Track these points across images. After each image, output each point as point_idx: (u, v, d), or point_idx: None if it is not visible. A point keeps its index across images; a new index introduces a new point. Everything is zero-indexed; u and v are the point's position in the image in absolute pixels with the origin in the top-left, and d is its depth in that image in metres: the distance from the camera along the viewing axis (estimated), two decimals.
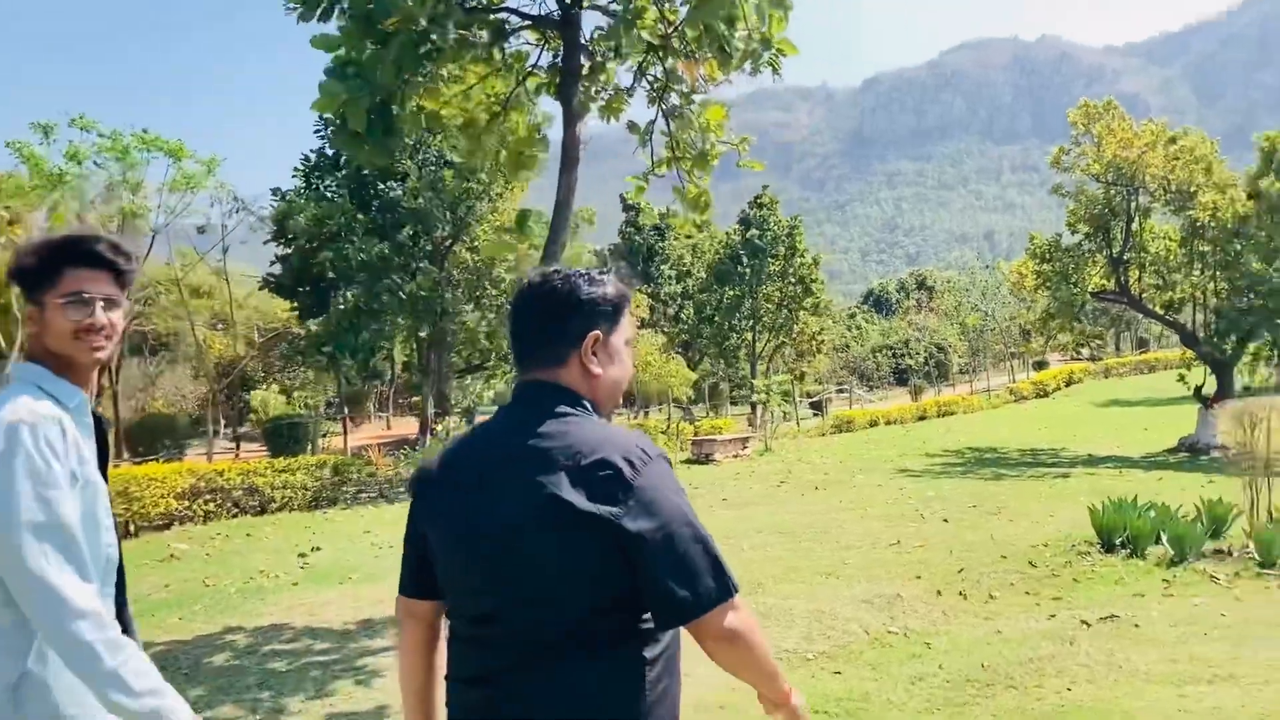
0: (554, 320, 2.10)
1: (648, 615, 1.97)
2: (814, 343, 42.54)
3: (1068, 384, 56.93)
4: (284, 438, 30.07)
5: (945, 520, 15.02)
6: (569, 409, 2.04)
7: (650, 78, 9.38)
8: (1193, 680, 6.61)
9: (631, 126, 9.89)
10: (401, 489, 20.35)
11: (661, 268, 40.38)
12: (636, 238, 42.18)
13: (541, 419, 2.02)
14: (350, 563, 13.19)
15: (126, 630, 2.27)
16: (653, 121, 9.84)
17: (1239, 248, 26.73)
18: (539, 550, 1.92)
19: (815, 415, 41.15)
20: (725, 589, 1.94)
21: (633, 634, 1.97)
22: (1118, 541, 11.70)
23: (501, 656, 1.98)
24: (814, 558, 12.26)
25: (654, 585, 1.90)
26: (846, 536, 13.78)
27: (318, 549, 14.41)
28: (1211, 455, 26.40)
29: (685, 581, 1.90)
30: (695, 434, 29.31)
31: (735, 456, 27.84)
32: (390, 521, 16.75)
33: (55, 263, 2.30)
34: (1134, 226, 27.44)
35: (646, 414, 37.36)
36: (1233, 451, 12.33)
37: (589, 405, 2.09)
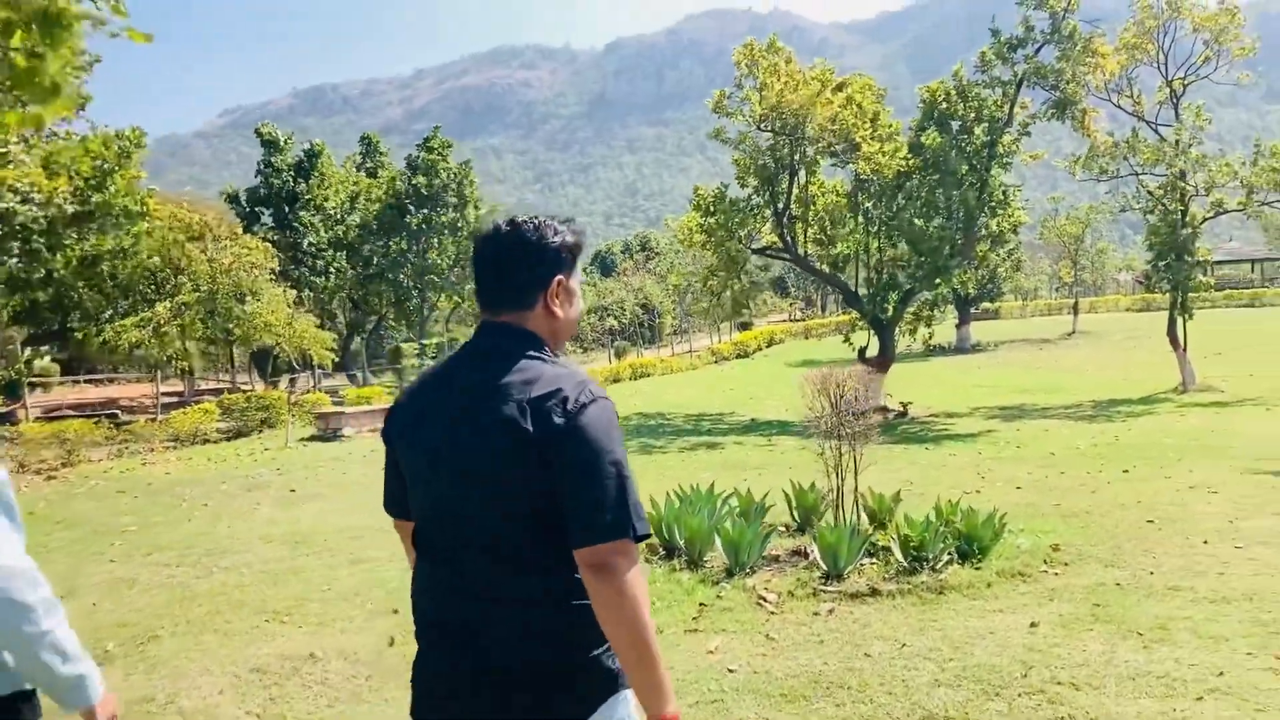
0: (525, 266, 2.32)
1: None
2: None
3: (769, 345, 57.15)
4: None
5: None
6: (535, 353, 2.28)
7: None
8: None
9: None
10: None
11: (302, 214, 35.52)
12: (275, 179, 36.89)
13: (507, 360, 2.25)
14: None
15: None
16: None
17: (901, 203, 25.92)
18: (491, 470, 2.18)
19: None
20: (625, 527, 2.12)
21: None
22: (681, 543, 9.44)
23: (460, 568, 2.25)
24: (280, 586, 9.23)
25: (569, 508, 2.13)
26: (373, 548, 10.87)
27: None
28: (874, 419, 25.58)
29: (593, 509, 2.11)
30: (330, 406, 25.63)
31: (373, 430, 24.52)
32: None
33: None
34: (800, 179, 26.08)
35: (276, 383, 32.66)
36: (812, 426, 10.20)
37: (548, 348, 2.32)
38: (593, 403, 2.17)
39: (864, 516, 10.25)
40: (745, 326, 61.63)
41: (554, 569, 2.17)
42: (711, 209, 25.51)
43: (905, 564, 8.64)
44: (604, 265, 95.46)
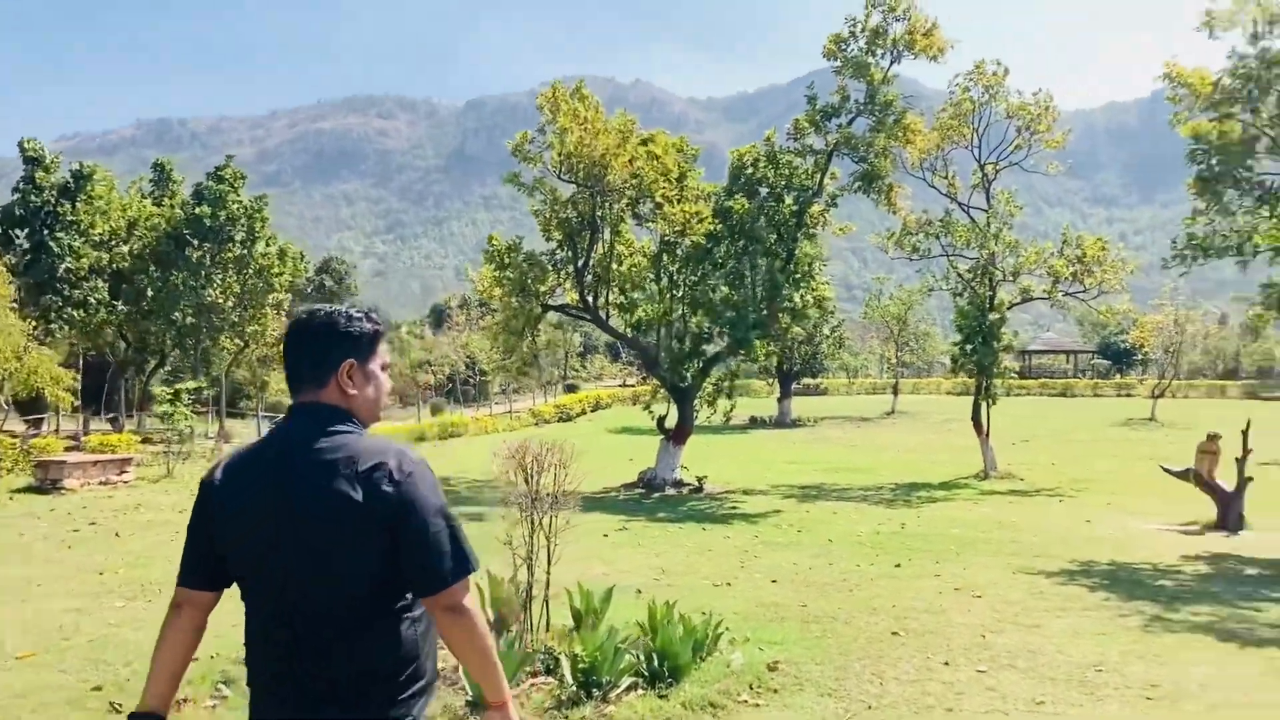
0: (319, 349, 2.62)
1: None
2: (279, 347, 36.39)
3: (594, 409, 55.63)
4: None
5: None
6: (341, 426, 2.57)
7: None
8: None
9: None
10: None
11: (61, 236, 31.75)
12: (35, 197, 33.00)
13: (320, 433, 2.53)
14: None
15: None
16: None
17: (707, 269, 24.82)
18: (330, 540, 2.46)
19: None
20: (464, 568, 2.58)
21: (402, 603, 2.57)
22: None
23: (299, 629, 2.50)
24: None
25: (409, 564, 2.50)
26: None
27: None
28: (667, 491, 24.16)
29: (436, 560, 2.51)
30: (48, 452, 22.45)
31: (104, 483, 21.62)
32: None
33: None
34: (604, 236, 24.73)
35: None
36: (502, 502, 8.45)
37: (355, 420, 2.63)
38: (414, 469, 2.52)
39: (560, 620, 8.52)
40: (571, 389, 59.99)
41: (384, 624, 2.53)
42: (505, 261, 23.80)
43: (574, 690, 6.92)
44: (438, 318, 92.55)
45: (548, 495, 8.41)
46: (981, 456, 28.70)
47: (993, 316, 28.39)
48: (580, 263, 24.35)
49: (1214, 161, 15.86)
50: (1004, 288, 29.14)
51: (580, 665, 6.93)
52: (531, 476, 8.45)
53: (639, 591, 10.77)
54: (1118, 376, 75.45)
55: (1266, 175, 16.07)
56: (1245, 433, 18.56)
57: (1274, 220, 16.24)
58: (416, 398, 56.18)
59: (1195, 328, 53.55)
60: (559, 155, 23.11)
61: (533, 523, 8.33)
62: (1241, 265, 16.48)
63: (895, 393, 57.38)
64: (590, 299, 24.85)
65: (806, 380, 65.13)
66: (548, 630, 8.33)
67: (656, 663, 7.39)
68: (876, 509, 21.14)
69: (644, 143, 23.82)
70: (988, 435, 28.85)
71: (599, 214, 24.03)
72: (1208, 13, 15.89)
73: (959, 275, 29.17)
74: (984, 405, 29.00)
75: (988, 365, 28.38)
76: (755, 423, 49.66)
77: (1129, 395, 63.27)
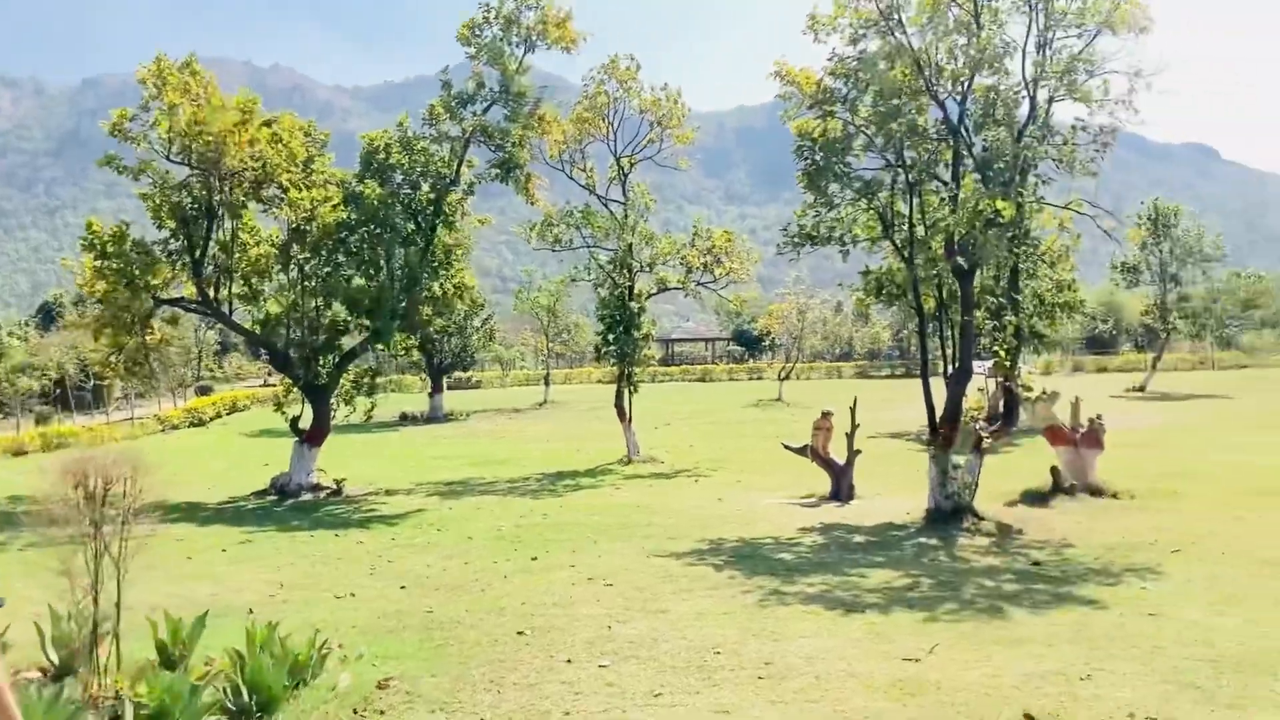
0: None
1: None
2: None
3: (230, 412, 51.90)
4: None
5: None
6: None
7: None
8: None
9: None
10: None
11: None
12: None
13: None
14: None
15: None
16: None
17: (340, 259, 23.53)
18: None
19: None
20: None
21: None
22: None
23: None
24: None
25: None
26: None
27: None
28: (302, 497, 22.67)
29: None
30: None
31: None
32: None
33: None
34: (225, 224, 22.77)
35: None
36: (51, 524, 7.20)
37: None
38: None
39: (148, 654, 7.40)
40: (205, 391, 55.66)
41: None
42: (108, 251, 21.26)
43: None
44: (48, 317, 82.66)
45: (117, 513, 7.28)
46: (625, 442, 29.37)
47: (633, 306, 29.11)
48: (197, 252, 22.23)
49: (818, 156, 16.93)
50: (642, 278, 29.96)
51: (144, 713, 5.95)
52: (95, 493, 7.27)
53: (251, 612, 9.74)
54: (750, 361, 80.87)
55: (864, 170, 17.37)
56: (853, 410, 20.07)
57: (870, 212, 17.58)
58: (16, 406, 49.83)
59: (814, 314, 58.34)
60: (167, 134, 20.91)
61: (97, 547, 7.17)
62: (844, 254, 17.74)
63: (547, 383, 58.02)
64: (211, 291, 22.78)
65: (458, 374, 64.39)
66: (119, 669, 7.19)
67: (246, 696, 6.53)
68: (522, 500, 20.93)
69: (267, 124, 22.10)
70: (630, 421, 29.58)
71: (216, 199, 22.04)
72: (811, 16, 16.90)
73: (600, 266, 29.66)
74: (626, 392, 29.70)
75: (629, 353, 29.08)
76: (406, 419, 48.35)
77: (760, 378, 67.93)
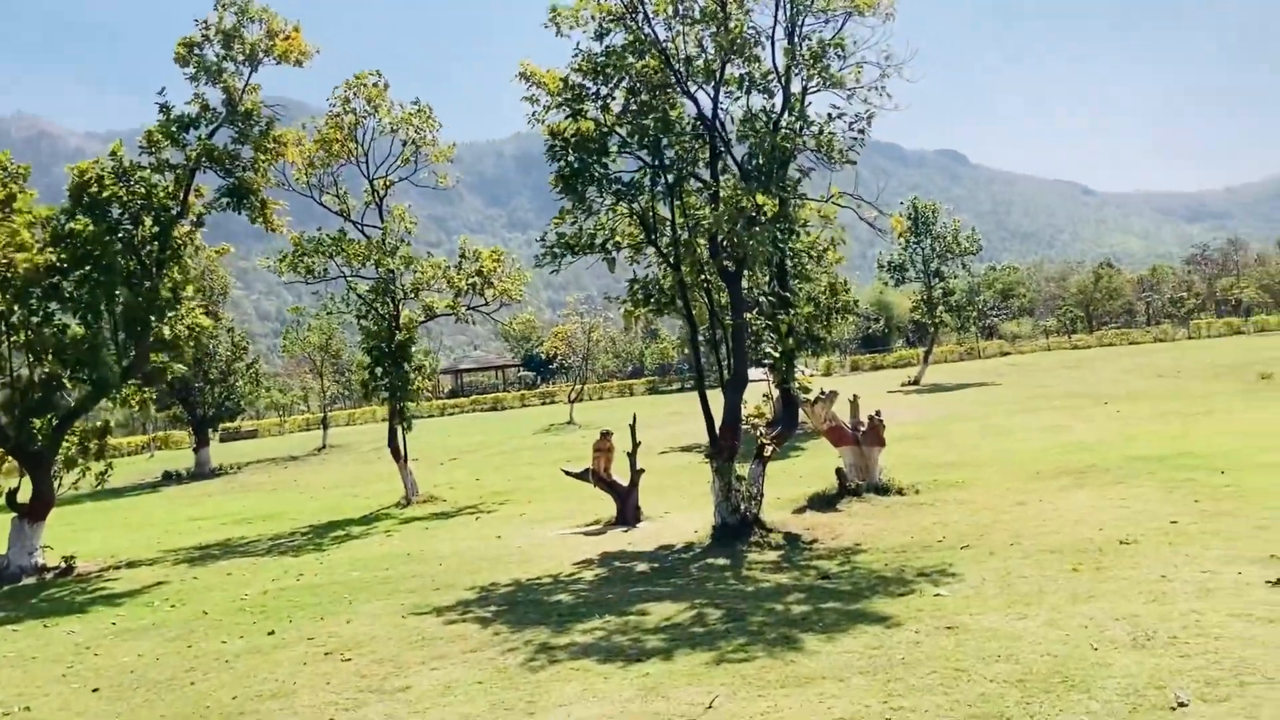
0: None
1: None
2: None
3: None
4: None
5: None
6: None
7: None
8: None
9: None
10: None
11: None
12: None
13: None
14: None
15: None
16: None
17: (51, 306, 20.66)
18: None
19: None
20: None
21: None
22: None
23: None
24: None
25: None
26: None
27: None
28: (23, 581, 19.64)
29: None
30: None
31: None
32: None
33: None
34: None
35: None
36: None
37: None
38: None
39: None
40: None
41: None
42: None
43: None
44: None
45: None
46: (403, 483, 27.42)
47: (400, 336, 27.23)
48: None
49: (572, 159, 15.77)
50: (408, 305, 28.10)
51: None
52: None
53: None
54: (543, 386, 79.57)
55: (623, 173, 16.31)
56: (633, 428, 19.01)
57: (632, 218, 16.55)
58: None
59: (600, 333, 57.62)
60: None
61: None
62: (610, 263, 16.62)
63: (325, 426, 54.79)
64: None
65: (228, 424, 60.04)
66: None
67: None
68: (282, 560, 18.76)
69: None
70: (406, 460, 27.65)
71: None
72: (553, 8, 15.74)
73: (359, 296, 27.58)
74: (400, 430, 27.78)
75: (400, 387, 27.18)
76: (170, 478, 44.40)
77: (552, 402, 66.72)
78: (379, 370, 27.39)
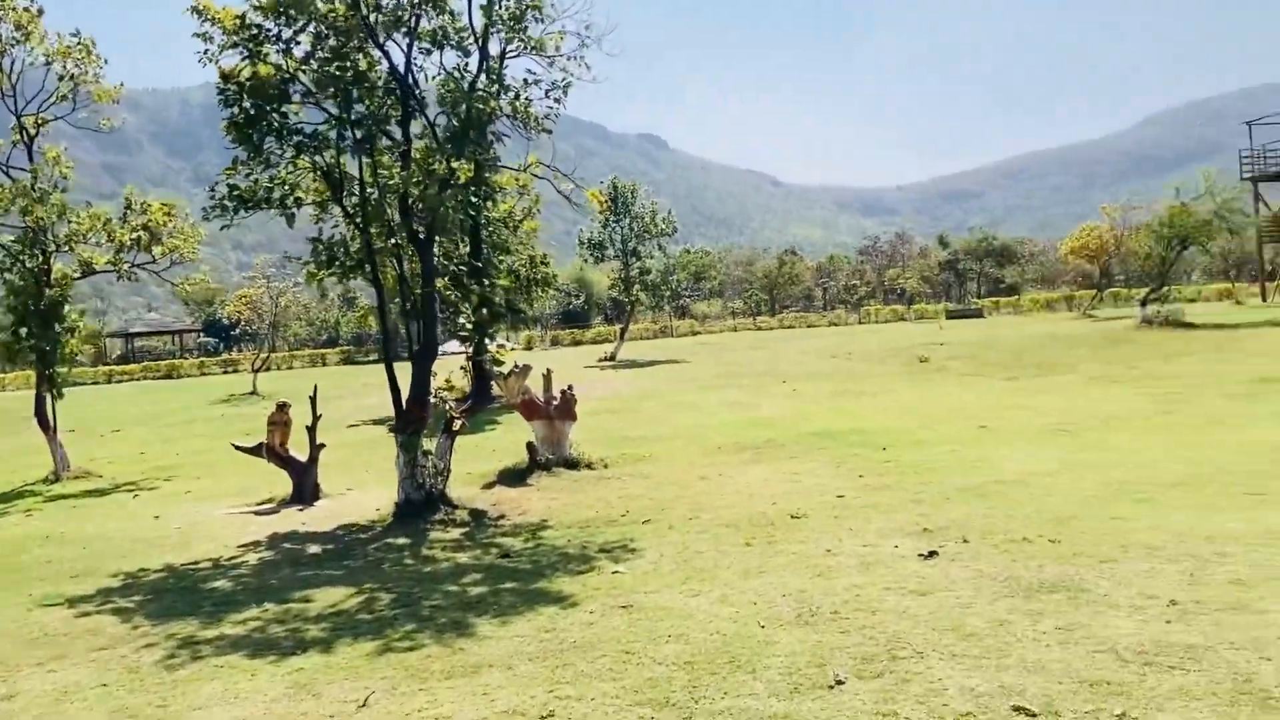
0: None
1: None
2: None
3: None
4: None
5: None
6: None
7: None
8: None
9: None
10: None
11: None
12: None
13: None
14: None
15: None
16: None
17: None
18: None
19: None
20: None
21: None
22: None
23: None
24: None
25: None
26: None
27: None
28: None
29: None
30: None
31: None
32: None
33: None
34: None
35: None
36: None
37: None
38: None
39: None
40: None
41: None
42: None
43: None
44: None
45: None
46: (52, 457, 24.56)
47: (52, 294, 24.29)
48: None
49: (248, 105, 14.43)
50: (61, 259, 25.11)
51: None
52: None
53: None
54: (226, 354, 74.58)
55: (305, 124, 15.13)
56: (313, 399, 17.86)
57: (316, 173, 15.40)
58: None
59: (290, 299, 54.53)
60: None
61: None
62: (289, 219, 15.37)
63: None
64: None
65: None
66: None
67: None
68: None
69: None
70: (56, 431, 24.76)
71: None
72: None
73: (3, 247, 24.32)
74: (49, 397, 24.84)
75: (49, 351, 24.29)
76: None
77: (235, 371, 62.66)
78: (23, 331, 24.33)
